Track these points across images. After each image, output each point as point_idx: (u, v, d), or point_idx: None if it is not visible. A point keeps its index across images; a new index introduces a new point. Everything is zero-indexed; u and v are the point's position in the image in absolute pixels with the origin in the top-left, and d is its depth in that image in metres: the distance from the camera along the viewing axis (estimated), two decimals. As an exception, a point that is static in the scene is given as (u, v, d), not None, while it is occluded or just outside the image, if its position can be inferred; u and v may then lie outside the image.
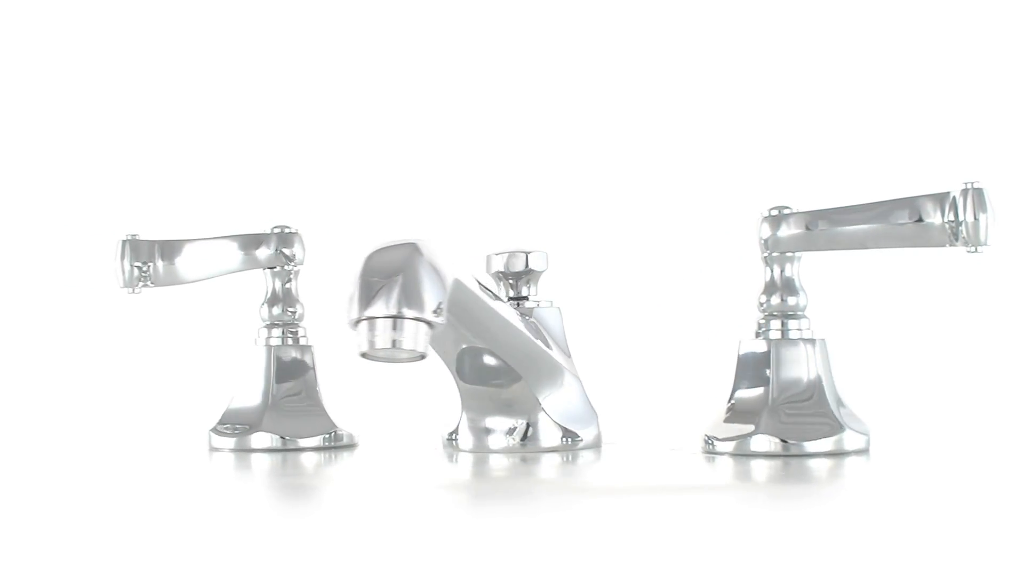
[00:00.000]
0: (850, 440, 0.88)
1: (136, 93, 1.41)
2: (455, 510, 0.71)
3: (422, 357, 0.75)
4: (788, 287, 0.91)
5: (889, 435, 0.97)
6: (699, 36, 1.31)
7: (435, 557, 0.56)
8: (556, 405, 0.94)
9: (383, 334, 0.72)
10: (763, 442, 0.88)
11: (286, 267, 1.02)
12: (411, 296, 0.74)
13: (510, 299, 0.97)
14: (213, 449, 1.00)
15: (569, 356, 0.98)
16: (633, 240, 1.31)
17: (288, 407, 1.00)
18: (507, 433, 0.93)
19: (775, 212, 0.90)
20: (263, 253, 1.02)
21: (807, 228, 0.89)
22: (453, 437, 0.95)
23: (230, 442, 0.99)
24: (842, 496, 0.74)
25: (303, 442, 0.99)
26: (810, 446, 0.87)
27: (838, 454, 0.87)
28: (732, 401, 0.91)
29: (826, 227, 0.89)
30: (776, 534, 0.62)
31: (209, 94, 1.40)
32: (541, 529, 0.63)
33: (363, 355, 0.75)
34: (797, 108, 1.29)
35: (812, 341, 0.90)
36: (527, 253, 0.96)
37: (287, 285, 1.02)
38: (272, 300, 1.02)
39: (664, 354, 1.26)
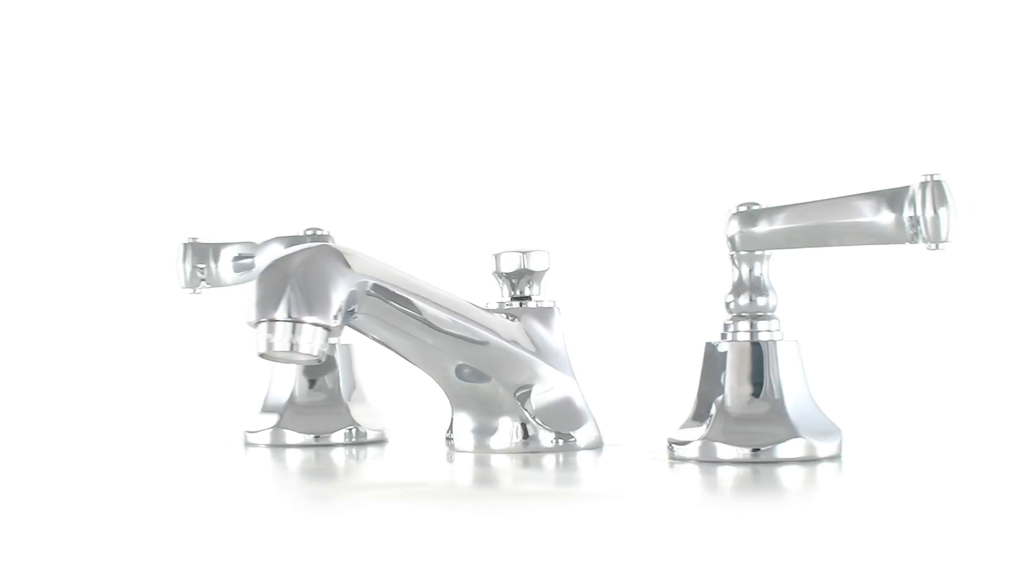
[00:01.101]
0: (822, 446, 0.85)
1: (192, 103, 1.45)
2: (398, 510, 0.70)
3: (319, 360, 0.78)
4: (757, 287, 0.87)
5: (862, 439, 0.94)
6: (697, 36, 1.32)
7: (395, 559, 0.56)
8: (541, 406, 0.93)
9: (281, 337, 0.75)
10: (730, 448, 0.84)
11: None
12: (309, 301, 0.76)
13: (513, 299, 0.95)
14: (248, 444, 1.03)
15: (562, 355, 0.95)
16: (639, 239, 1.31)
17: (312, 404, 1.03)
18: (492, 434, 0.93)
19: (743, 208, 0.87)
20: None
21: (768, 225, 0.86)
22: (449, 436, 0.95)
23: (264, 437, 1.03)
24: (813, 505, 0.71)
25: (320, 439, 1.02)
26: (780, 452, 0.84)
27: (809, 460, 0.84)
28: (698, 406, 0.87)
29: (786, 224, 0.85)
30: (743, 545, 0.59)
31: (250, 101, 1.43)
32: (473, 533, 0.62)
33: (261, 355, 0.77)
34: (798, 107, 1.27)
35: (782, 343, 0.86)
36: (528, 253, 0.96)
37: None
38: None
39: (670, 354, 1.25)
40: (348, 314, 0.81)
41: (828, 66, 1.27)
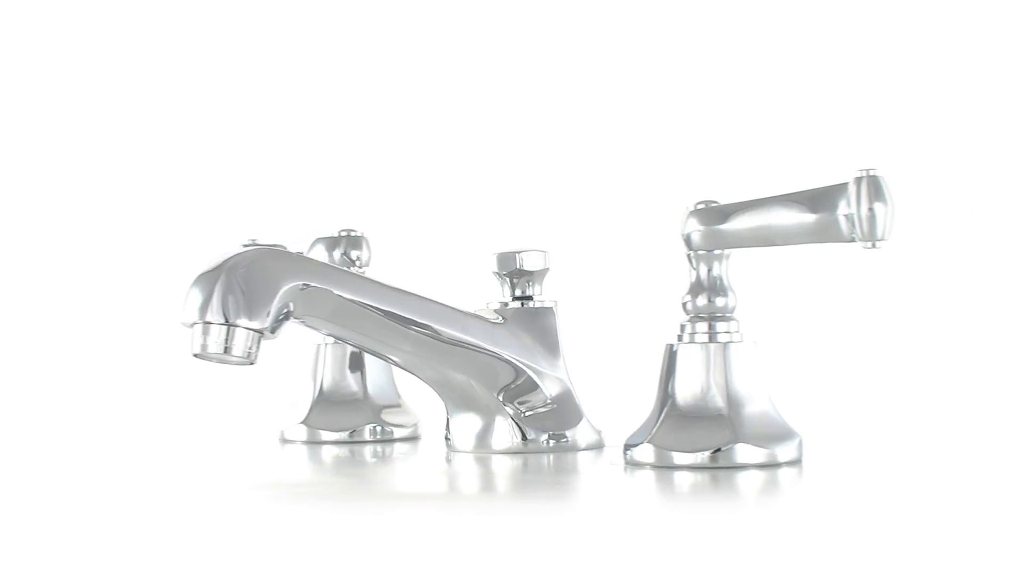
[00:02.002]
0: (782, 450, 0.82)
1: (231, 105, 1.47)
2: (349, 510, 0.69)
3: (252, 363, 0.79)
4: (715, 287, 0.85)
5: (822, 443, 0.92)
6: (695, 36, 1.32)
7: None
8: (525, 407, 0.92)
9: (215, 340, 0.77)
10: (687, 453, 0.82)
11: (352, 270, 1.04)
12: (244, 306, 0.78)
13: (514, 299, 0.95)
14: (285, 440, 1.04)
15: (555, 356, 0.94)
16: (644, 239, 1.31)
17: (341, 400, 1.04)
18: (491, 434, 0.93)
19: (701, 206, 0.84)
20: (337, 255, 1.05)
21: (719, 224, 0.83)
22: (448, 436, 0.95)
23: (290, 433, 1.05)
24: (773, 511, 0.69)
25: (342, 435, 1.03)
26: (739, 457, 0.81)
27: (769, 465, 0.81)
28: (657, 409, 0.85)
29: (733, 223, 0.83)
30: (702, 553, 0.57)
31: (283, 103, 1.45)
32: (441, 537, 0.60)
33: (195, 356, 0.79)
34: (799, 105, 1.27)
35: (741, 344, 0.84)
36: (529, 252, 0.95)
37: None
38: None
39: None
40: (282, 318, 0.82)
41: (828, 60, 1.27)
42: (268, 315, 0.79)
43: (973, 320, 1.24)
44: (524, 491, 0.79)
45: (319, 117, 1.42)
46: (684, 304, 0.85)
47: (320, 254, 1.04)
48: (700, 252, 0.85)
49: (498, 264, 0.95)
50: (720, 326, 0.84)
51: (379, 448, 1.00)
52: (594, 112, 1.34)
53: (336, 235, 1.05)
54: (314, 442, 1.03)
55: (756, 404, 0.83)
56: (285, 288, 0.80)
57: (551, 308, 0.95)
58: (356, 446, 1.01)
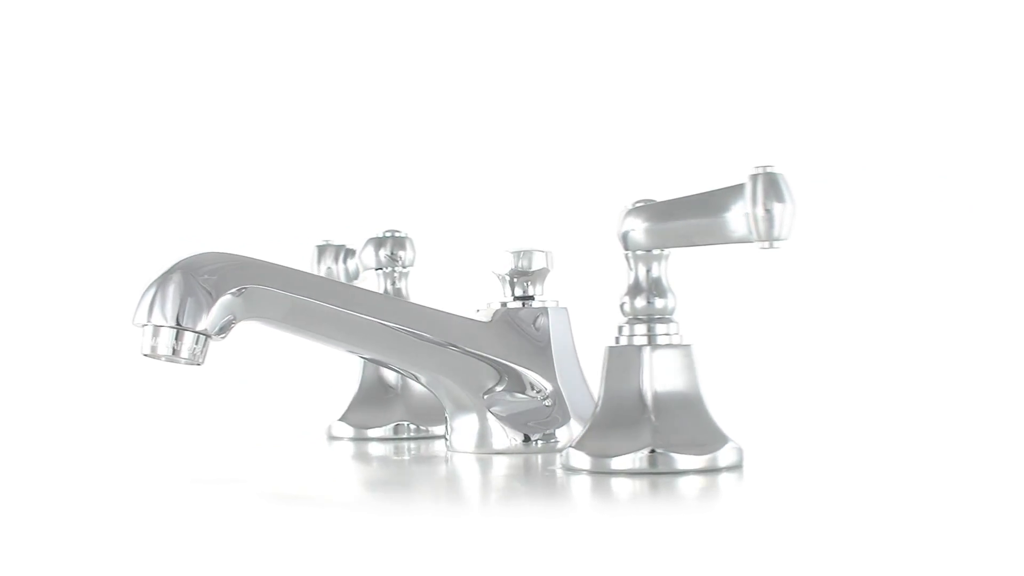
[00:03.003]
0: (723, 455, 0.80)
1: (279, 109, 1.49)
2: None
3: (199, 364, 0.81)
4: (654, 288, 0.83)
5: (764, 448, 0.91)
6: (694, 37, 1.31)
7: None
8: (507, 409, 0.92)
9: (164, 343, 0.80)
10: (626, 458, 0.80)
11: (397, 269, 1.07)
12: (192, 310, 0.80)
13: (516, 298, 0.94)
14: (332, 438, 1.07)
15: (546, 357, 0.93)
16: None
17: (374, 399, 1.07)
18: (490, 435, 0.92)
19: (640, 204, 0.82)
20: (383, 255, 1.07)
21: (647, 224, 0.81)
22: (446, 436, 0.96)
23: (323, 431, 1.08)
24: (714, 518, 0.67)
25: (370, 432, 1.06)
26: (679, 462, 0.79)
27: (710, 471, 0.80)
28: (596, 414, 0.83)
29: (658, 223, 0.81)
30: (640, 561, 0.55)
31: (329, 107, 1.47)
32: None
33: (145, 355, 0.81)
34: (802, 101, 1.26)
35: (681, 347, 0.82)
36: (530, 252, 0.94)
37: (397, 285, 1.07)
38: None
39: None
40: (228, 320, 0.82)
41: (820, 59, 1.27)
42: (209, 318, 0.80)
43: (913, 322, 1.23)
44: (441, 494, 0.77)
45: (319, 118, 1.44)
46: (622, 306, 0.83)
47: (369, 254, 1.06)
48: (638, 252, 0.83)
49: (499, 264, 0.95)
50: (659, 328, 0.83)
51: (398, 446, 1.01)
52: (595, 112, 1.34)
53: (382, 235, 1.07)
54: (360, 439, 1.05)
55: (695, 408, 0.81)
56: (228, 291, 0.81)
57: (543, 308, 0.94)
58: (376, 444, 1.03)
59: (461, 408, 0.93)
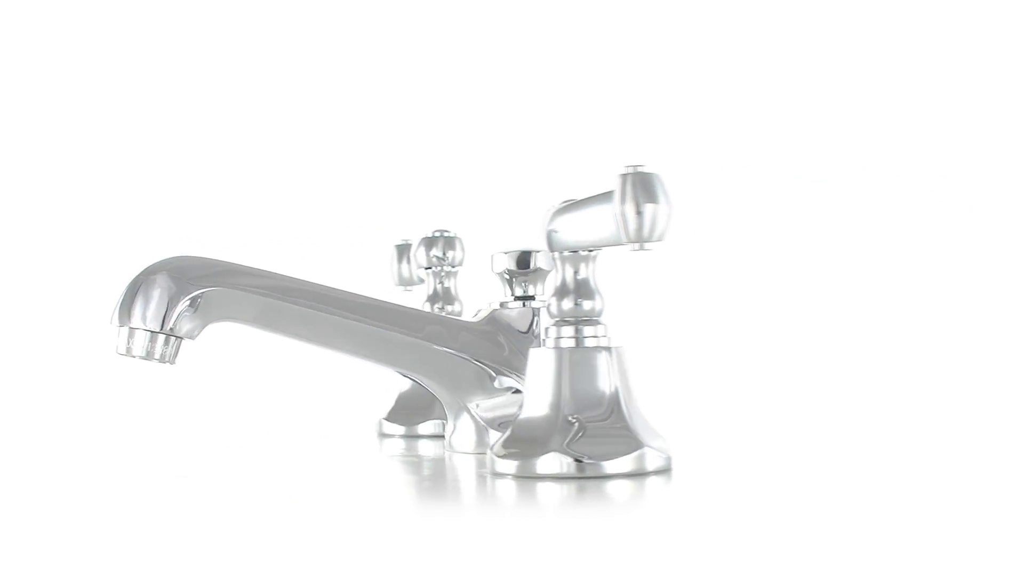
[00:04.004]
0: (651, 459, 0.79)
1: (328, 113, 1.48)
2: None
3: (171, 363, 0.85)
4: (582, 290, 0.82)
5: (692, 451, 0.90)
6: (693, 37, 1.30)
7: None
8: (491, 410, 0.92)
9: (139, 344, 0.83)
10: (552, 462, 0.78)
11: (445, 268, 1.09)
12: (166, 312, 0.83)
13: (516, 298, 0.94)
14: (383, 435, 1.08)
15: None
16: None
17: (421, 394, 1.08)
18: (478, 432, 0.92)
19: (565, 204, 0.81)
20: (433, 255, 1.09)
21: (560, 225, 0.80)
22: (443, 436, 0.97)
23: (371, 429, 1.11)
24: (641, 522, 0.66)
25: (420, 429, 1.07)
26: (607, 466, 0.78)
27: (638, 474, 0.78)
28: (521, 416, 0.81)
29: (565, 224, 0.80)
30: (565, 567, 0.53)
31: (381, 111, 1.47)
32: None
33: (120, 354, 0.84)
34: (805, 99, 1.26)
35: (609, 349, 0.81)
36: (531, 252, 0.94)
37: (446, 284, 1.09)
38: (434, 298, 1.09)
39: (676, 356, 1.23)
40: (200, 323, 0.85)
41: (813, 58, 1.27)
42: (177, 319, 0.83)
43: (847, 324, 1.23)
44: (368, 495, 0.75)
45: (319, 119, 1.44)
46: (548, 307, 0.82)
47: (421, 253, 1.08)
48: (565, 253, 0.82)
49: (499, 264, 0.94)
50: (587, 330, 0.81)
51: (410, 445, 1.02)
52: (597, 113, 1.33)
53: (432, 235, 1.08)
54: (411, 436, 1.06)
55: (624, 411, 0.80)
56: (191, 294, 0.84)
57: (533, 309, 0.93)
58: (427, 441, 1.04)
59: (453, 408, 0.92)
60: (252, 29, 1.46)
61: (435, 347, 0.90)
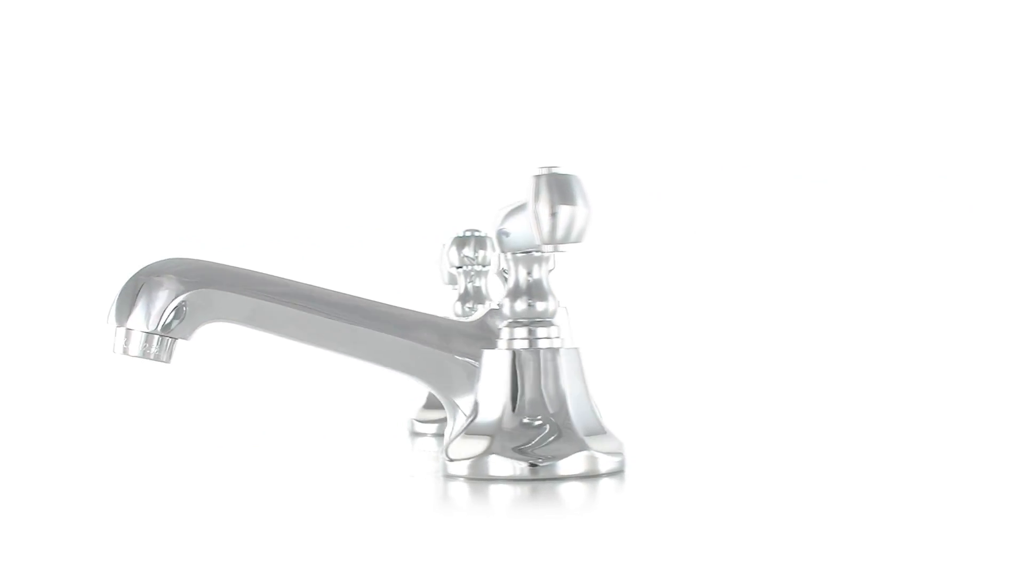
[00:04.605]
0: (604, 461, 0.79)
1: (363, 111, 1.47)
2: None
3: (166, 362, 0.86)
4: (535, 291, 0.81)
5: (646, 454, 0.89)
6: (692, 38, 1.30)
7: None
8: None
9: (135, 345, 0.85)
10: (504, 464, 0.78)
11: (475, 267, 1.10)
12: (162, 314, 0.85)
13: None
14: (415, 434, 1.10)
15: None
16: (651, 239, 1.31)
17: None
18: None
19: (514, 205, 0.80)
20: (464, 254, 1.10)
21: (508, 226, 0.80)
22: (441, 434, 0.99)
23: (405, 426, 1.13)
24: (594, 525, 0.65)
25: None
26: (560, 468, 0.78)
27: (590, 476, 0.78)
28: (474, 418, 0.81)
29: (500, 225, 0.80)
30: (519, 570, 0.53)
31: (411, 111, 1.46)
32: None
33: (117, 353, 0.86)
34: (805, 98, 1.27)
35: (563, 350, 0.80)
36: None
37: (477, 284, 1.10)
38: (465, 297, 1.10)
39: (675, 356, 1.22)
40: (194, 323, 0.86)
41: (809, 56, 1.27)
42: (166, 320, 0.85)
43: (844, 324, 1.24)
44: (307, 493, 0.75)
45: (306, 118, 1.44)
46: (501, 308, 0.81)
47: (453, 253, 1.09)
48: (518, 254, 0.81)
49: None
50: (540, 331, 0.81)
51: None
52: (596, 114, 1.33)
53: (463, 235, 1.09)
54: (442, 435, 1.07)
55: (578, 412, 0.80)
56: (186, 295, 0.86)
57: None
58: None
59: (449, 408, 0.91)
60: (252, 29, 1.45)
61: (427, 348, 0.89)
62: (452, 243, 1.10)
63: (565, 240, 0.74)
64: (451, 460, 0.80)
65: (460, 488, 0.76)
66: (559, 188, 0.74)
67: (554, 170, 0.75)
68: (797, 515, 0.66)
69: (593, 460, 0.79)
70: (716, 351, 1.25)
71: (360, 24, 1.41)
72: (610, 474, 0.79)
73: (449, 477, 0.79)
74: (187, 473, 0.92)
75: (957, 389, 1.25)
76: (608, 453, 0.79)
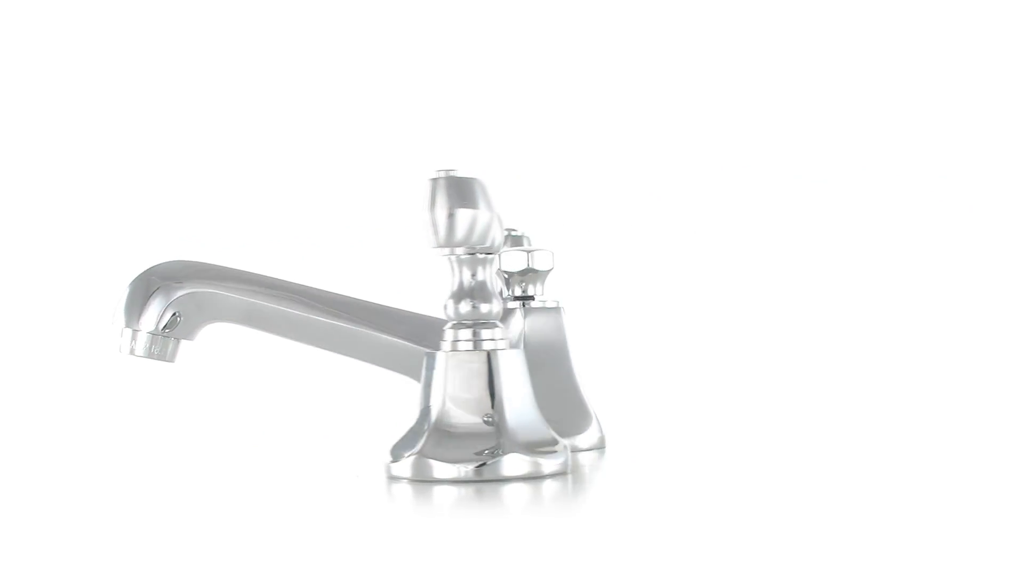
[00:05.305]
0: (547, 462, 0.79)
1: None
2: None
3: (170, 362, 0.88)
4: (479, 292, 0.81)
5: (587, 454, 0.89)
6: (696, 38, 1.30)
7: None
8: None
9: (141, 345, 0.87)
10: (449, 466, 0.78)
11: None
12: (167, 315, 0.87)
13: (516, 298, 0.93)
14: None
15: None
16: (651, 239, 1.31)
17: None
18: None
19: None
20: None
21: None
22: None
23: None
24: (540, 525, 0.66)
25: None
26: (504, 469, 0.78)
27: (534, 477, 0.78)
28: (418, 420, 0.81)
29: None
30: (461, 571, 0.53)
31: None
32: None
33: (123, 354, 0.88)
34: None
35: (507, 352, 0.80)
36: (530, 252, 0.93)
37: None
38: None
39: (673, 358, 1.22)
40: (195, 323, 0.88)
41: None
42: (169, 321, 0.87)
43: (842, 324, 1.25)
44: (264, 502, 0.74)
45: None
46: (444, 309, 0.81)
47: None
48: (462, 256, 0.81)
49: (505, 262, 0.93)
50: (484, 332, 0.81)
51: None
52: (597, 113, 1.33)
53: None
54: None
55: (522, 414, 0.80)
56: (189, 296, 0.87)
57: (508, 309, 0.92)
58: None
59: None
60: (251, 29, 1.44)
61: (416, 347, 0.88)
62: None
63: (462, 243, 0.75)
64: (393, 461, 0.79)
65: (403, 490, 0.76)
66: (456, 191, 0.75)
67: (451, 173, 0.75)
68: (745, 519, 0.66)
69: (537, 461, 0.79)
70: (715, 351, 1.26)
71: (359, 25, 1.41)
72: (553, 475, 0.79)
73: (392, 479, 0.79)
74: (166, 473, 0.92)
75: (957, 389, 1.26)
76: (552, 454, 0.79)
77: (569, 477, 0.79)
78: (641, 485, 0.79)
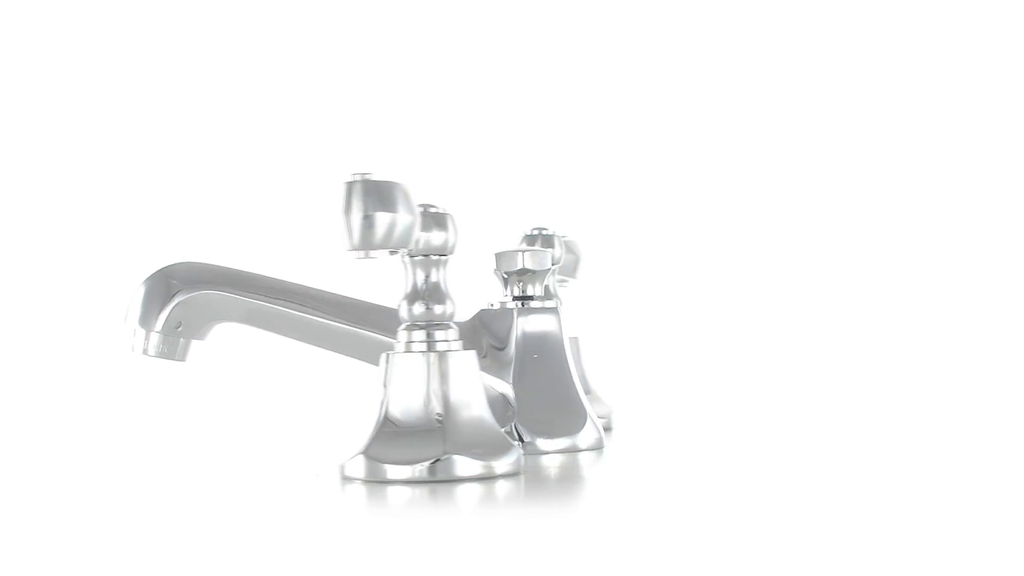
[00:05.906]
0: (499, 463, 0.79)
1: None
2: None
3: (182, 360, 0.91)
4: (432, 294, 0.82)
5: (551, 456, 0.90)
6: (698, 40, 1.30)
7: None
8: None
9: (154, 346, 0.89)
10: (403, 467, 0.78)
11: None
12: (180, 318, 0.90)
13: (515, 298, 0.94)
14: None
15: (509, 359, 0.93)
16: (650, 238, 1.32)
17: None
18: None
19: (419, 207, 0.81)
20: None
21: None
22: None
23: None
24: (493, 525, 0.66)
25: None
26: (457, 470, 0.78)
27: (487, 478, 0.79)
28: (378, 421, 0.81)
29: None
30: (416, 571, 0.53)
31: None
32: None
33: (136, 353, 0.90)
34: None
35: (460, 354, 0.81)
36: (530, 252, 0.94)
37: (545, 281, 1.06)
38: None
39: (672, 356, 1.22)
40: (204, 323, 0.90)
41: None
42: (180, 321, 0.89)
43: (840, 324, 1.25)
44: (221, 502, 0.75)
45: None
46: (399, 310, 0.82)
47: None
48: (417, 258, 0.82)
49: (498, 263, 0.94)
50: (438, 334, 0.81)
51: None
52: (595, 113, 1.33)
53: (531, 232, 1.04)
54: None
55: (475, 415, 0.80)
56: (181, 299, 0.90)
57: (507, 310, 0.92)
58: None
59: None
60: (251, 31, 1.44)
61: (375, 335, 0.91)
62: (523, 241, 1.06)
63: (361, 247, 0.76)
64: (345, 460, 0.80)
65: (356, 490, 0.77)
66: (365, 194, 0.75)
67: (367, 176, 0.76)
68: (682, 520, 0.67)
69: (489, 462, 0.79)
70: (714, 351, 1.26)
71: (359, 26, 1.41)
72: (506, 476, 0.79)
73: (347, 479, 0.80)
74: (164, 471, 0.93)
75: (956, 389, 1.26)
76: (504, 455, 0.80)
77: (521, 478, 0.79)
78: (604, 486, 0.79)
